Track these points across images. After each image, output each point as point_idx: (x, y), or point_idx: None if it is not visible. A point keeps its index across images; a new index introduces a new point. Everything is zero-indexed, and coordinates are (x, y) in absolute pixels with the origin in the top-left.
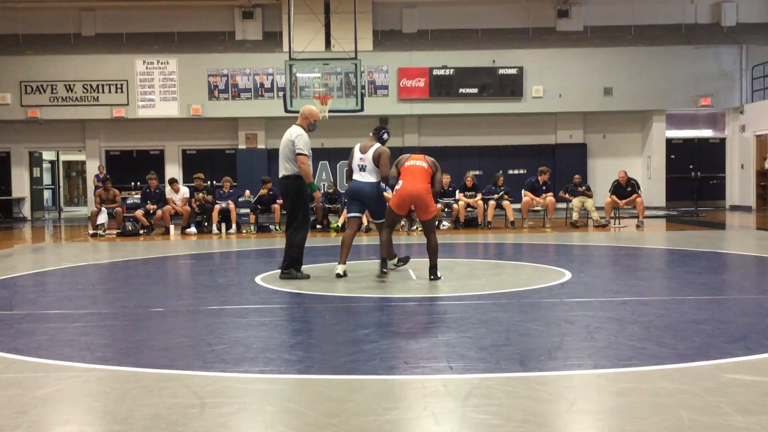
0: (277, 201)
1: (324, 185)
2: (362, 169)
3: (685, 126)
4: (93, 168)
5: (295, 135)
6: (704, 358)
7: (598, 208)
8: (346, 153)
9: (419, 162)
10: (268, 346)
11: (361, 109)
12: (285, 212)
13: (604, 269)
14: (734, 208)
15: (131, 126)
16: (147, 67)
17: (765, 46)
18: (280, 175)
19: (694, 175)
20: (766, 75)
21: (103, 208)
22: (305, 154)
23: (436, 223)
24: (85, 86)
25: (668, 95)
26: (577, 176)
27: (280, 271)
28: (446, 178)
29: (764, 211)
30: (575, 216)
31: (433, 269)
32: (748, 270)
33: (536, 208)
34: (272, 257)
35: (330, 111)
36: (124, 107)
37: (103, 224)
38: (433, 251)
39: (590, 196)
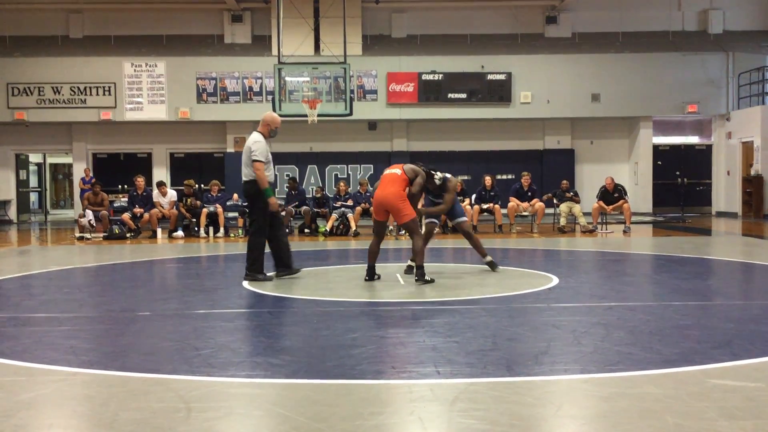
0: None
1: (312, 189)
2: None
3: (672, 132)
4: (80, 171)
5: (253, 142)
6: (690, 363)
7: (585, 214)
8: (335, 157)
9: (393, 170)
10: (255, 351)
11: (350, 114)
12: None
13: (591, 274)
14: (720, 214)
15: (119, 129)
16: (135, 70)
17: (751, 54)
18: (243, 180)
19: (681, 182)
20: (752, 82)
21: (88, 210)
22: (261, 161)
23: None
24: (72, 88)
25: (655, 102)
26: (564, 182)
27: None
28: None
29: (750, 217)
30: (563, 221)
31: (417, 269)
32: (734, 276)
33: (524, 213)
34: None
35: (319, 115)
36: (112, 110)
37: (91, 224)
38: (415, 252)
39: (578, 202)
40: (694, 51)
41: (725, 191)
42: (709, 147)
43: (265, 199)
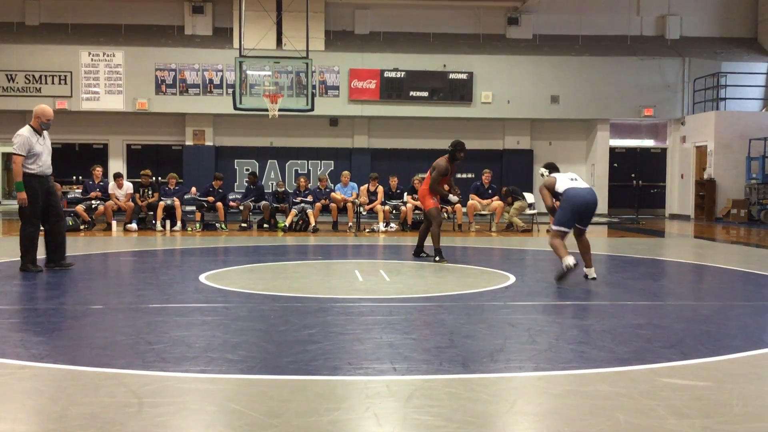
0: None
1: (273, 184)
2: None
3: (628, 135)
4: None
5: (15, 135)
6: (641, 362)
7: (539, 214)
8: (295, 152)
9: (430, 169)
10: (210, 346)
11: (312, 109)
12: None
13: (547, 274)
14: (673, 216)
15: (74, 119)
16: (92, 59)
17: (707, 60)
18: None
19: (636, 184)
20: (707, 88)
21: None
22: (18, 154)
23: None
24: (27, 77)
25: (613, 105)
26: (503, 187)
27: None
28: (393, 181)
29: (702, 220)
30: (514, 220)
31: (436, 252)
32: (685, 277)
33: (483, 212)
34: (217, 255)
35: (280, 110)
36: (68, 99)
37: None
38: (433, 237)
39: (510, 203)
40: (652, 56)
41: (679, 194)
42: (664, 150)
43: (17, 192)
